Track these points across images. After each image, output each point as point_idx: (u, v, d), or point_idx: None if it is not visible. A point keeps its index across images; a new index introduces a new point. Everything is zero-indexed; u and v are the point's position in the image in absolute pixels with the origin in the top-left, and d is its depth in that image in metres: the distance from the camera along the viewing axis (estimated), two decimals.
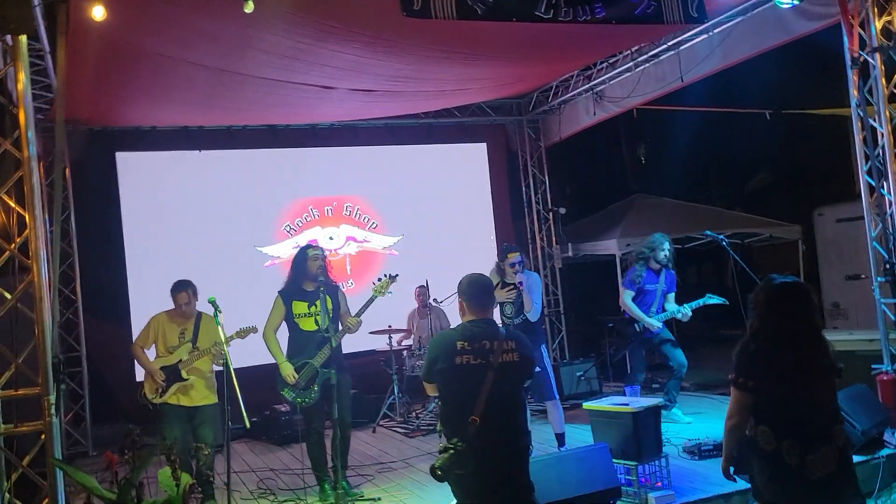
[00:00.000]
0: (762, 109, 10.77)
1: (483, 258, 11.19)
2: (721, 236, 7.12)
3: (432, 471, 3.26)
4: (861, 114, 6.41)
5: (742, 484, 3.67)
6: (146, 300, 7.95)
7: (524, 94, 10.86)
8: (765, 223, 11.36)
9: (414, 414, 8.90)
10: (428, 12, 4.57)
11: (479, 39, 6.01)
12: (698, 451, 5.96)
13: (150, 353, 5.97)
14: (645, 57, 8.86)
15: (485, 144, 11.40)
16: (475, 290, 3.53)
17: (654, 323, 7.35)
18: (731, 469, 3.40)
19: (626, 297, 7.49)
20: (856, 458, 5.38)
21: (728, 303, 7.25)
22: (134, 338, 6.24)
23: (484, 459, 3.26)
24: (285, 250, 9.93)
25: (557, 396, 6.44)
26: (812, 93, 12.78)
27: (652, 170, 15.76)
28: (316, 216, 10.24)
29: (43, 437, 3.95)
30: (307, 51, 6.11)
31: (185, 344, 5.85)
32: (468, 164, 11.24)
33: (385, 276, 5.99)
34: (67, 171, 8.32)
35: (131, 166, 9.36)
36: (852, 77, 6.43)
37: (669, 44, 8.45)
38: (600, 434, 5.40)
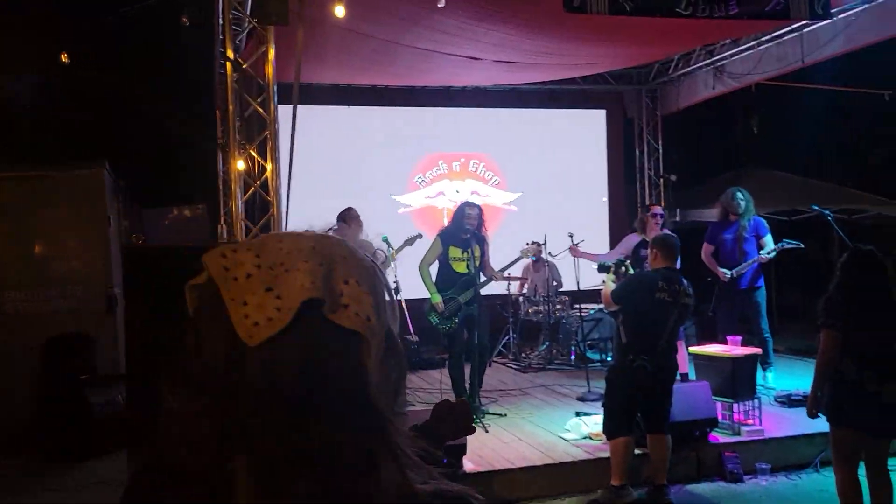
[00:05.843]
0: (881, 90, 10.99)
1: (594, 218, 12.07)
2: (827, 211, 7.37)
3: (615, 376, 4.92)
4: None
5: (824, 426, 4.32)
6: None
7: (646, 64, 11.42)
8: (874, 200, 11.58)
9: (524, 354, 9.91)
10: (584, 8, 5.37)
11: (618, 28, 6.77)
12: (788, 401, 6.73)
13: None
14: (768, 37, 9.30)
15: (604, 111, 12.04)
16: (668, 245, 4.85)
17: (724, 272, 7.30)
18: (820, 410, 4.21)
19: (703, 252, 7.59)
20: None
21: (803, 246, 7.35)
22: None
23: (659, 373, 4.74)
24: (417, 200, 11.01)
25: (684, 338, 7.02)
26: None
27: (765, 143, 15.90)
28: (445, 170, 11.24)
29: None
30: (466, 28, 7.02)
31: None
32: (586, 128, 11.95)
33: (534, 242, 6.98)
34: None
35: (287, 117, 10.50)
36: None
37: (793, 26, 8.89)
38: (702, 374, 6.25)
